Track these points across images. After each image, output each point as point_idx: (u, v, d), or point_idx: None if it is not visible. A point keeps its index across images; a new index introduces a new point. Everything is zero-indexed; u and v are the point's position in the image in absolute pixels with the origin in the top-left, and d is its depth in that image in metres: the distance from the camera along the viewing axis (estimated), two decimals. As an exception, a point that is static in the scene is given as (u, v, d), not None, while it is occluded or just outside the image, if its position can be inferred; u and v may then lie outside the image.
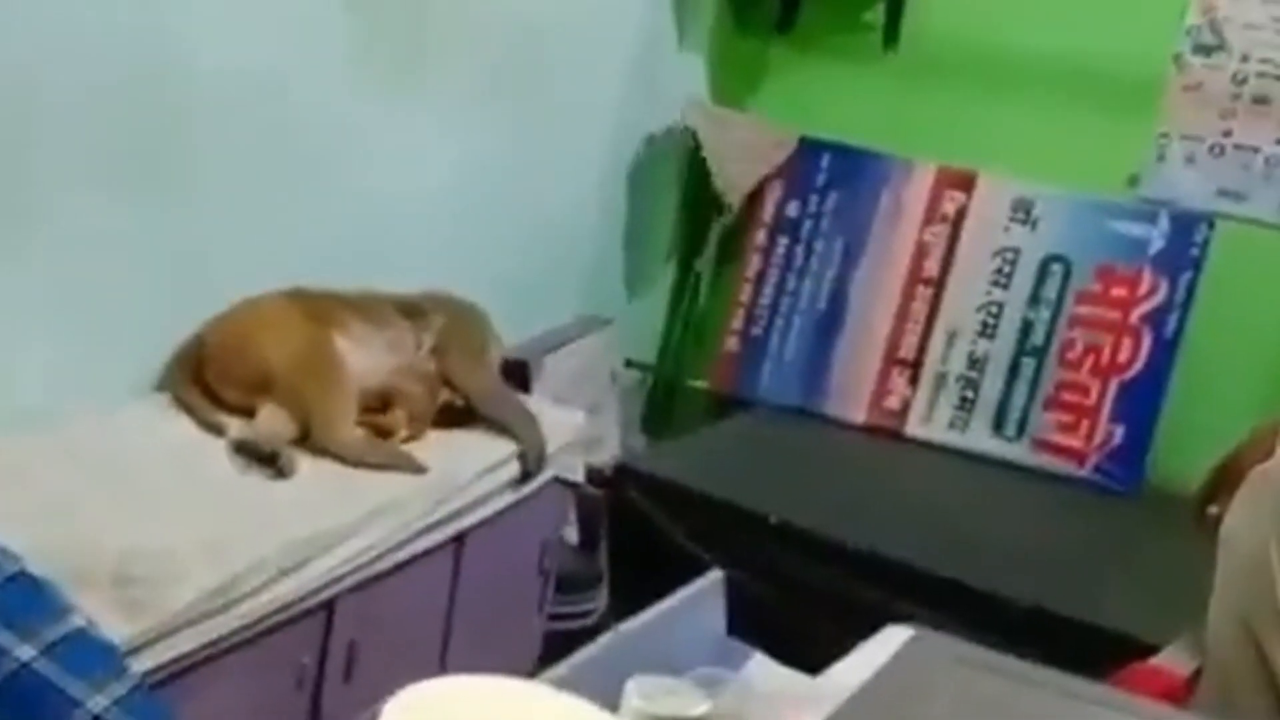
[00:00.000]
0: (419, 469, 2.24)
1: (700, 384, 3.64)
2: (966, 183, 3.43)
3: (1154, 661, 1.94)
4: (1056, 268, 3.35)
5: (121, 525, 1.85)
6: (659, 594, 1.15)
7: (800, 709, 0.92)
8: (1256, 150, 3.25)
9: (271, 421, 2.20)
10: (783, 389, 3.50)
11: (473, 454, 2.39)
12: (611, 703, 0.60)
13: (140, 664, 1.62)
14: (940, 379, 3.41)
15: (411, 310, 2.52)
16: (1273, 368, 3.24)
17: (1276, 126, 3.23)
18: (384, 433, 2.33)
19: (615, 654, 0.86)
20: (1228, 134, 3.27)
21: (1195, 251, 3.25)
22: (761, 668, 1.09)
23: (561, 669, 0.86)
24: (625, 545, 2.92)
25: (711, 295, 3.68)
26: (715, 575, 1.17)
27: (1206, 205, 3.28)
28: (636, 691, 0.64)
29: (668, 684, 0.66)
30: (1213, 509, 1.91)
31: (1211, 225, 3.24)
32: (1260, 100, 3.24)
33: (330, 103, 2.54)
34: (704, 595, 1.14)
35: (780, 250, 3.56)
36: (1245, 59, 3.24)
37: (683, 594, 1.12)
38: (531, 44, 3.03)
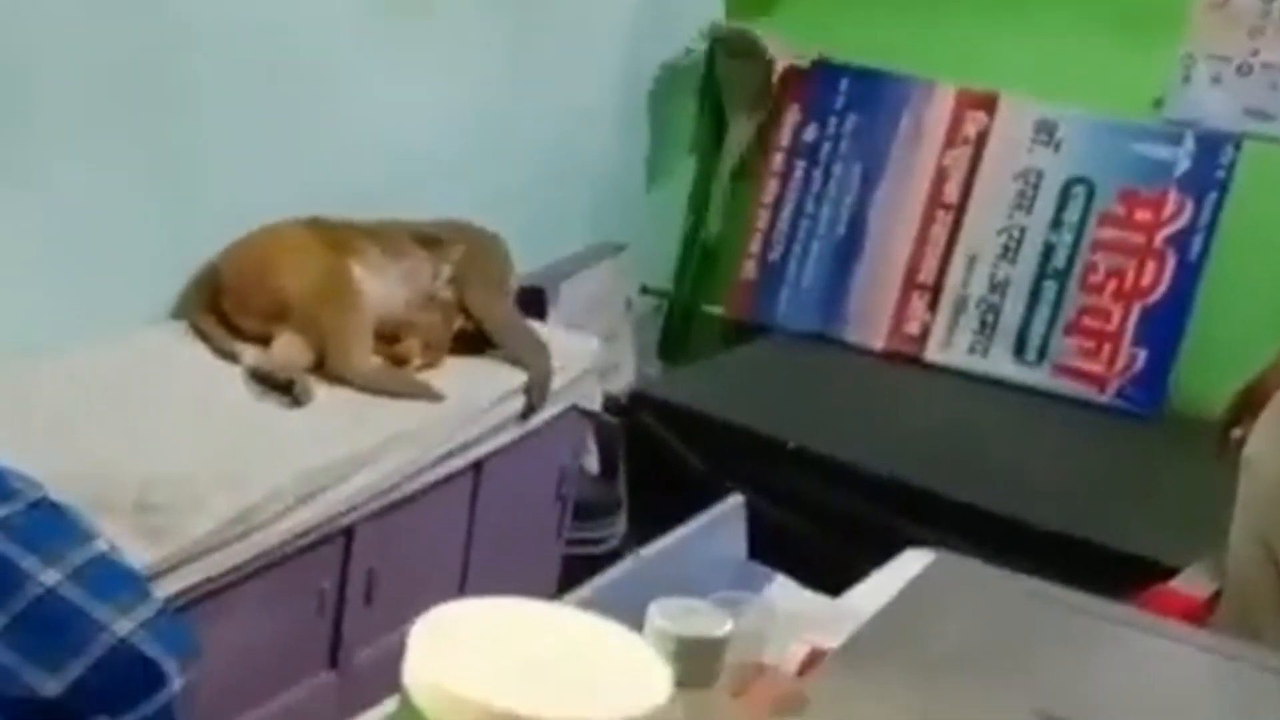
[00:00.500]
0: (435, 397, 2.23)
1: (717, 310, 3.62)
2: (988, 104, 3.38)
3: (1173, 584, 1.94)
4: (1079, 190, 3.30)
5: (140, 453, 1.84)
6: (677, 520, 1.15)
7: (822, 630, 0.91)
8: (1283, 68, 3.18)
9: (288, 349, 2.19)
10: (801, 315, 3.47)
11: (489, 382, 2.37)
12: (634, 626, 0.59)
13: (162, 590, 1.63)
14: (960, 303, 3.38)
15: (429, 240, 2.50)
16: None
17: (1305, 45, 3.17)
18: (400, 361, 2.32)
19: (637, 578, 0.85)
20: (1255, 53, 3.20)
21: (1221, 173, 3.20)
22: (783, 590, 1.08)
23: (585, 591, 0.85)
24: (643, 472, 2.92)
25: (728, 221, 3.64)
26: (736, 500, 1.17)
27: (1233, 126, 3.23)
28: (660, 613, 0.63)
29: (691, 605, 0.65)
30: (1236, 432, 1.91)
31: (1238, 146, 3.19)
32: (1288, 17, 3.17)
33: (339, 30, 2.50)
34: (725, 520, 1.13)
35: (798, 174, 3.52)
36: (1274, -26, 3.17)
37: (704, 519, 1.12)
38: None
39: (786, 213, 3.52)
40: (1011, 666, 0.86)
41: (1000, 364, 3.33)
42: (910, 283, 3.42)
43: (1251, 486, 1.79)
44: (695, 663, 0.63)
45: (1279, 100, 3.19)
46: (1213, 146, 3.21)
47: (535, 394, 2.41)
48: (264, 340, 2.22)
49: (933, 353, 3.39)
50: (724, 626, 0.63)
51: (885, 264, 3.43)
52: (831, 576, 1.32)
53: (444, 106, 2.80)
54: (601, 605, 0.61)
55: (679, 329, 3.71)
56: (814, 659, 0.90)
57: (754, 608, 0.95)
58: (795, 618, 0.95)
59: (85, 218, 2.12)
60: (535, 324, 2.64)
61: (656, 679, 0.53)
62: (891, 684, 0.85)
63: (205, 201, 2.31)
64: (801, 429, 2.84)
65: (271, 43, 2.36)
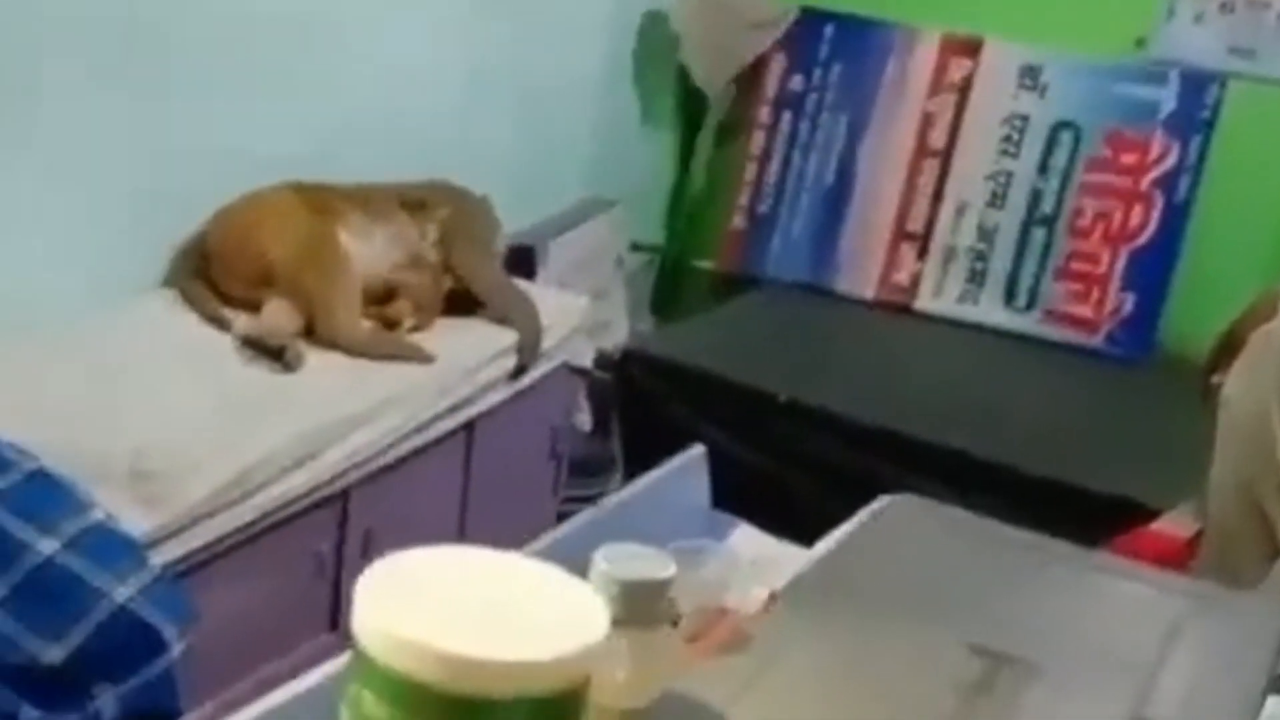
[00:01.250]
0: (426, 358, 2.25)
1: (708, 264, 3.63)
2: (973, 50, 3.37)
3: (1155, 525, 1.96)
4: (1066, 135, 3.30)
5: (133, 421, 1.86)
6: (673, 476, 1.16)
7: (786, 575, 0.94)
8: (1269, 5, 3.17)
9: (277, 315, 2.21)
10: (791, 266, 3.48)
11: (479, 342, 2.39)
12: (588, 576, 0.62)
13: (159, 556, 1.65)
14: (950, 252, 3.39)
15: (415, 202, 2.51)
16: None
17: (1290, -20, 3.15)
18: (390, 324, 2.34)
19: (597, 528, 0.87)
20: (1239, -10, 3.19)
21: (1206, 113, 3.19)
22: (746, 537, 1.11)
23: (543, 542, 0.88)
24: (637, 428, 2.94)
25: (716, 174, 3.65)
26: (697, 450, 1.19)
27: (1217, 64, 3.22)
28: (604, 558, 0.65)
29: (635, 550, 0.67)
30: (1216, 378, 1.91)
31: (1223, 85, 3.19)
32: (1273, -47, 3.16)
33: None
34: (686, 469, 1.16)
35: (785, 125, 3.52)
36: (1257, -90, 3.16)
37: (664, 469, 1.14)
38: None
39: (774, 164, 3.52)
40: (953, 604, 0.89)
41: (991, 311, 3.35)
42: (899, 231, 3.42)
43: (1229, 427, 1.81)
44: (638, 604, 0.65)
45: (1263, 38, 3.19)
46: (1197, 86, 3.20)
47: (525, 353, 2.43)
48: (254, 306, 2.23)
49: (923, 301, 3.40)
50: (667, 569, 0.66)
51: (874, 213, 3.44)
52: (825, 528, 1.34)
53: (427, 65, 2.80)
54: (560, 555, 0.63)
55: (670, 284, 3.72)
56: (774, 603, 0.92)
57: (716, 555, 0.97)
58: (761, 564, 0.97)
59: (71, 188, 2.12)
60: (524, 283, 2.66)
61: (594, 619, 0.56)
62: (833, 621, 0.88)
63: (190, 168, 2.31)
64: (793, 381, 2.85)
65: (259, 11, 2.37)
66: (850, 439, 2.74)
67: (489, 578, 0.58)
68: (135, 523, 1.65)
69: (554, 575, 0.58)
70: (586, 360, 2.86)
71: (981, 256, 3.37)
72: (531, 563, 0.58)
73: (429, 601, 0.56)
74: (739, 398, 2.86)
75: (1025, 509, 2.33)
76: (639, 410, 2.93)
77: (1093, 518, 2.16)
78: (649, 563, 0.65)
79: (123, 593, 1.56)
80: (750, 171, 3.54)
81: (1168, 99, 3.22)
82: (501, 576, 0.58)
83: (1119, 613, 0.95)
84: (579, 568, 0.59)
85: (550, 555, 0.62)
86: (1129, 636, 0.92)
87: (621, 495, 1.04)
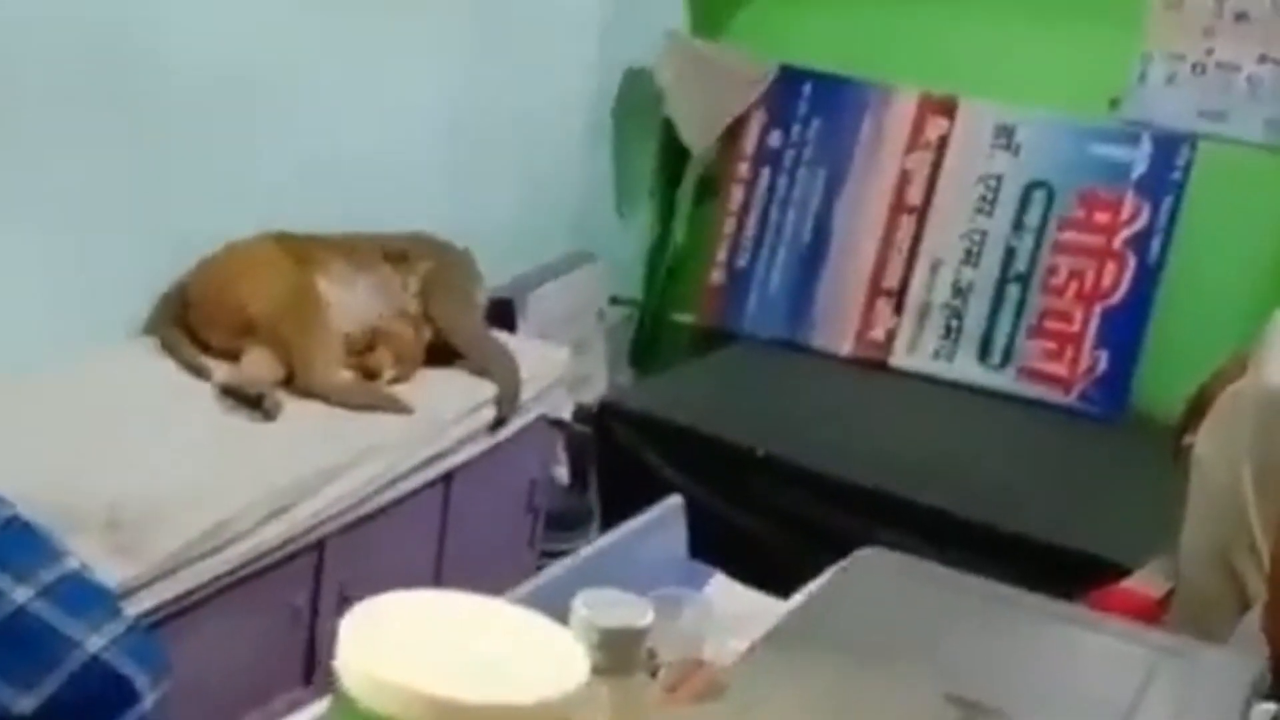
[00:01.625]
0: (404, 409, 2.25)
1: (687, 318, 3.65)
2: (948, 109, 3.42)
3: (1126, 583, 1.97)
4: (1039, 194, 3.35)
5: (110, 470, 1.86)
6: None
7: (762, 627, 0.94)
8: (1238, 68, 3.23)
9: (257, 364, 2.21)
10: (768, 321, 3.51)
11: (457, 394, 2.40)
12: (568, 622, 0.62)
13: (134, 606, 1.64)
14: (925, 308, 3.42)
15: (397, 254, 2.53)
16: (1257, 290, 3.25)
17: (1258, 43, 3.21)
18: (370, 374, 2.34)
19: (576, 576, 0.88)
20: (1210, 52, 3.25)
21: (1178, 174, 3.24)
22: (722, 588, 1.11)
23: (522, 590, 0.88)
24: (615, 482, 2.94)
25: (695, 228, 3.68)
26: (675, 500, 1.20)
27: (1189, 126, 3.27)
28: (583, 604, 0.66)
29: (615, 596, 0.67)
30: (1188, 438, 1.93)
31: (1194, 146, 3.24)
32: (1242, 17, 3.22)
33: (307, 45, 2.52)
34: (664, 519, 1.16)
35: (763, 182, 3.56)
36: (1227, -25, 3.23)
37: (642, 518, 1.15)
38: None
39: (752, 219, 3.55)
40: (928, 654, 0.89)
41: (965, 368, 3.37)
42: (875, 288, 3.45)
43: (1200, 488, 1.82)
44: (618, 651, 0.66)
45: (1233, 100, 3.25)
46: (1169, 147, 3.26)
47: (505, 405, 2.44)
48: (233, 355, 2.24)
49: (899, 357, 3.42)
50: (645, 617, 0.66)
51: (850, 269, 3.47)
52: (799, 582, 1.34)
53: (411, 117, 2.82)
54: (539, 602, 0.64)
55: (650, 338, 3.74)
56: (752, 653, 0.92)
57: (694, 605, 0.98)
58: (738, 616, 0.98)
59: (53, 237, 2.13)
60: (505, 335, 2.67)
61: (575, 665, 0.57)
62: (809, 670, 0.88)
63: (173, 218, 2.32)
64: (770, 436, 2.87)
65: (237, 58, 2.38)
66: (825, 494, 2.75)
67: (471, 622, 0.58)
68: (110, 572, 1.64)
69: (535, 621, 0.59)
70: (565, 413, 2.87)
71: (956, 313, 3.40)
72: (513, 608, 0.59)
73: (412, 645, 0.57)
74: (716, 451, 2.87)
75: (998, 565, 2.34)
76: (617, 463, 2.93)
77: (1064, 574, 2.17)
78: (628, 610, 0.66)
79: (96, 642, 1.54)
80: (729, 226, 3.57)
81: (1140, 159, 3.27)
82: (484, 621, 0.59)
83: (1092, 663, 0.96)
84: (558, 615, 0.60)
85: (530, 602, 0.63)
86: (1102, 687, 0.93)
87: (600, 544, 1.05)
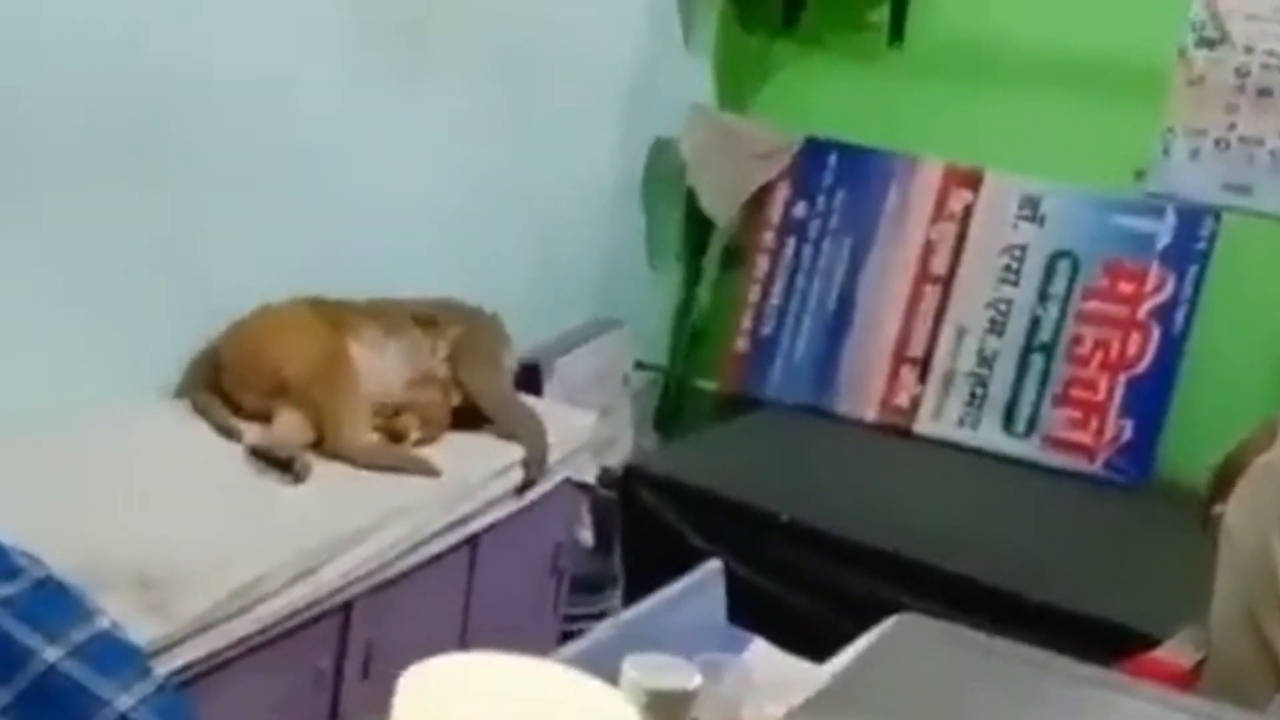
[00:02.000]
0: (432, 472, 2.26)
1: (711, 384, 3.66)
2: (973, 180, 3.45)
3: (1157, 653, 1.96)
4: (1064, 264, 3.36)
5: (140, 530, 1.87)
6: (674, 594, 1.17)
7: (801, 693, 0.94)
8: (1261, 143, 3.26)
9: (287, 427, 2.23)
10: (793, 388, 3.52)
11: (485, 457, 2.41)
12: (613, 685, 0.63)
13: (162, 666, 1.65)
14: (949, 376, 3.42)
15: (427, 319, 2.55)
16: (1281, 360, 3.26)
17: (1282, 119, 3.24)
18: (398, 437, 2.36)
19: (617, 641, 0.88)
20: (1232, 127, 3.28)
21: (1202, 245, 3.26)
22: (761, 654, 1.11)
23: (568, 652, 0.89)
24: (639, 546, 2.94)
25: (721, 296, 3.70)
26: (714, 565, 1.20)
27: (1212, 199, 3.29)
28: (632, 667, 0.67)
29: (661, 660, 0.68)
30: (1217, 509, 1.92)
31: (1218, 219, 3.25)
32: (1264, 93, 3.25)
33: (335, 108, 2.57)
34: (703, 584, 1.17)
35: (788, 251, 3.58)
36: (1249, 51, 3.26)
37: (682, 583, 1.15)
38: (536, 47, 3.05)
39: (777, 288, 3.58)
40: (965, 718, 0.89)
41: (990, 436, 3.37)
42: (900, 355, 3.46)
43: (1231, 556, 1.82)
44: (666, 713, 0.66)
45: (1257, 174, 3.26)
46: (1193, 220, 3.27)
47: (532, 468, 2.45)
48: (264, 417, 2.26)
49: (923, 425, 3.42)
50: (692, 679, 0.67)
51: (875, 337, 3.48)
52: (825, 647, 1.34)
53: (441, 182, 2.86)
54: (584, 664, 0.65)
55: (674, 403, 3.75)
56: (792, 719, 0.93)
57: (732, 671, 0.98)
58: (776, 681, 0.98)
59: (86, 296, 2.16)
60: (532, 399, 2.69)
61: (626, 727, 0.57)
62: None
63: (204, 280, 2.36)
64: (794, 501, 2.87)
65: (269, 121, 2.42)
66: (850, 560, 2.75)
67: (526, 683, 0.59)
68: (139, 631, 1.64)
69: (587, 683, 0.59)
70: (590, 476, 2.87)
71: (981, 381, 3.40)
72: (566, 670, 0.60)
73: (468, 704, 0.57)
74: (740, 517, 2.87)
75: (1025, 634, 2.33)
76: (641, 527, 2.93)
77: (1091, 644, 2.16)
78: (676, 673, 0.66)
79: (125, 701, 1.55)
80: (754, 294, 3.59)
81: (1164, 232, 3.29)
82: (537, 682, 0.59)
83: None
84: (604, 677, 0.61)
85: (576, 664, 0.63)
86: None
87: (641, 608, 1.06)
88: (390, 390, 2.39)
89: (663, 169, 3.57)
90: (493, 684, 0.59)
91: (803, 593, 2.73)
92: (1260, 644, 1.79)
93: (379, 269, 2.66)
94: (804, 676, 0.96)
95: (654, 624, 1.02)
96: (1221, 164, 3.30)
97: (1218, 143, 3.30)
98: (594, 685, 0.60)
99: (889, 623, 1.04)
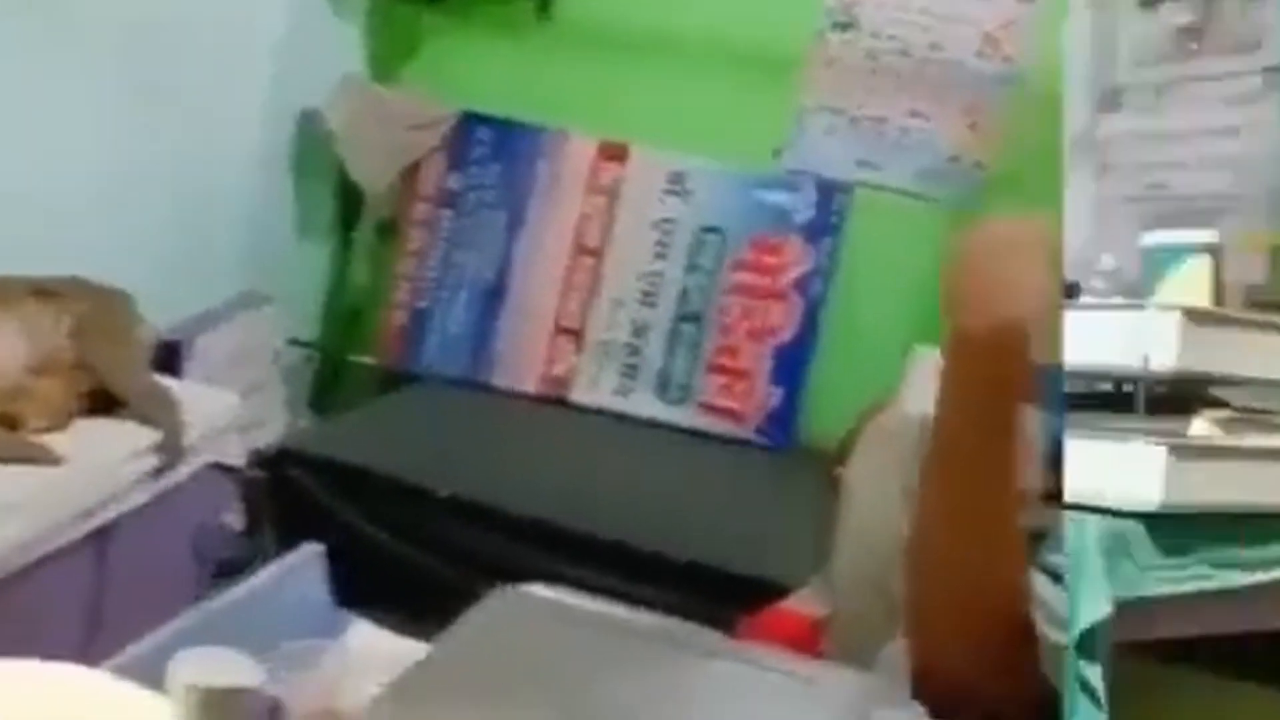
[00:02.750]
0: (52, 460, 2.12)
1: (367, 359, 3.60)
2: (621, 155, 3.52)
3: (783, 604, 2.05)
4: (711, 238, 3.48)
5: None
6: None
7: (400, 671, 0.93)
8: (887, 120, 3.45)
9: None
10: (451, 361, 3.50)
11: (116, 442, 2.28)
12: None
13: None
14: (605, 346, 3.49)
15: (47, 294, 2.38)
16: (911, 326, 3.46)
17: (907, 99, 3.44)
18: (13, 424, 2.19)
19: (207, 630, 0.85)
20: (863, 106, 3.47)
21: (836, 219, 3.44)
22: (362, 635, 1.09)
23: (142, 647, 0.84)
24: (293, 527, 2.86)
25: (375, 269, 3.64)
26: (312, 548, 1.17)
27: (846, 174, 3.47)
28: (185, 666, 0.63)
29: (219, 655, 0.65)
30: (838, 470, 2.03)
31: (851, 193, 3.43)
32: (890, 74, 3.44)
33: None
34: (301, 567, 1.14)
35: (444, 223, 3.56)
36: (876, 35, 3.45)
37: (276, 567, 1.12)
38: (177, 17, 2.92)
39: (433, 260, 3.55)
40: (560, 692, 0.90)
41: (646, 404, 3.46)
42: (556, 327, 3.50)
43: (849, 514, 1.91)
44: (222, 711, 0.64)
45: (884, 150, 3.46)
46: (828, 195, 3.45)
47: (167, 452, 2.34)
48: None
49: (580, 394, 3.48)
50: (254, 677, 0.64)
51: (532, 309, 3.51)
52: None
53: (65, 156, 2.68)
54: (159, 663, 0.61)
55: (330, 380, 3.66)
56: (382, 700, 0.91)
57: (331, 655, 0.96)
58: (378, 663, 0.96)
59: None
60: (170, 380, 2.56)
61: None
62: (439, 715, 0.88)
63: None
64: (452, 476, 2.86)
65: None
66: (508, 532, 2.77)
67: (55, 694, 0.55)
68: None
69: (123, 689, 0.56)
70: (238, 459, 2.77)
71: (636, 351, 3.49)
72: (100, 676, 0.56)
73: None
74: (399, 494, 2.84)
75: (671, 593, 2.41)
76: (295, 509, 2.85)
77: (733, 598, 2.25)
78: (234, 670, 0.63)
79: None
80: (409, 267, 3.55)
81: (803, 206, 3.45)
82: (69, 692, 0.55)
83: (708, 693, 0.99)
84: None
85: (147, 663, 0.60)
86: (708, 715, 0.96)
87: (231, 595, 1.02)
88: (5, 373, 2.22)
89: (313, 141, 3.47)
90: (19, 694, 0.55)
91: (460, 567, 2.73)
92: (880, 595, 1.89)
93: (6, 249, 2.47)
94: (410, 655, 0.95)
95: (245, 612, 0.99)
96: (853, 141, 3.48)
97: (851, 121, 3.48)
98: (131, 691, 0.57)
99: (491, 596, 1.04)
